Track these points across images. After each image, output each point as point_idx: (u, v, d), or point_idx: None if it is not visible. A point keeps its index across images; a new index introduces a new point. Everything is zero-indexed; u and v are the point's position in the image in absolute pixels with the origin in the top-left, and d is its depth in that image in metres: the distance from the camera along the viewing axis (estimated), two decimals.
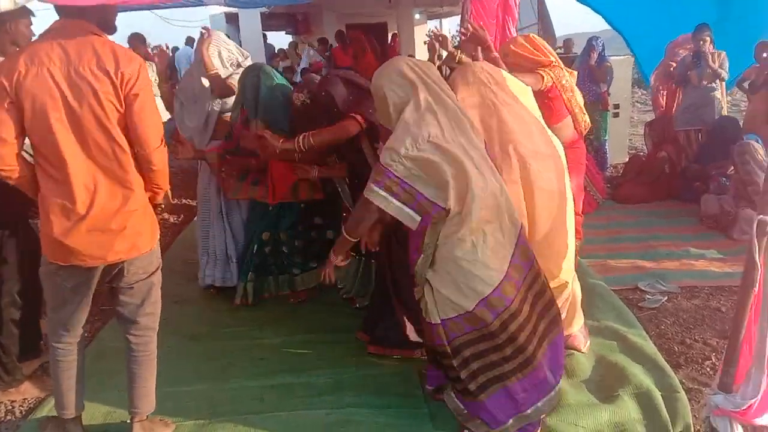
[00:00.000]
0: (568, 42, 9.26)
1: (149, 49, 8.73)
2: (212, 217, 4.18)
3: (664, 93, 7.38)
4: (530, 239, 2.70)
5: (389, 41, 11.94)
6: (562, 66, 3.67)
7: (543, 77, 3.53)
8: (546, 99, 3.52)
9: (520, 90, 3.03)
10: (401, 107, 2.44)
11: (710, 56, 6.30)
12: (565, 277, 2.95)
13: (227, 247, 4.15)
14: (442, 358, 2.49)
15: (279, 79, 3.90)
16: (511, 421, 2.49)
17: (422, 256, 2.43)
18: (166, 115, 4.17)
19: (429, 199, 2.35)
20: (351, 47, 9.85)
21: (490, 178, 2.41)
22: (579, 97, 3.74)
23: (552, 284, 2.85)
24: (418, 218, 2.38)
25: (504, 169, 2.70)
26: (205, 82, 3.95)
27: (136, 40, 7.44)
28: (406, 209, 2.37)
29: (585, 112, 3.80)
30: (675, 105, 7.24)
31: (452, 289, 2.39)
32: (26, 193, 2.31)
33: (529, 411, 2.49)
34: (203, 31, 4.06)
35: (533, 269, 2.53)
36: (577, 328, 3.22)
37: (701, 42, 6.31)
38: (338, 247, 2.68)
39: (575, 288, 3.13)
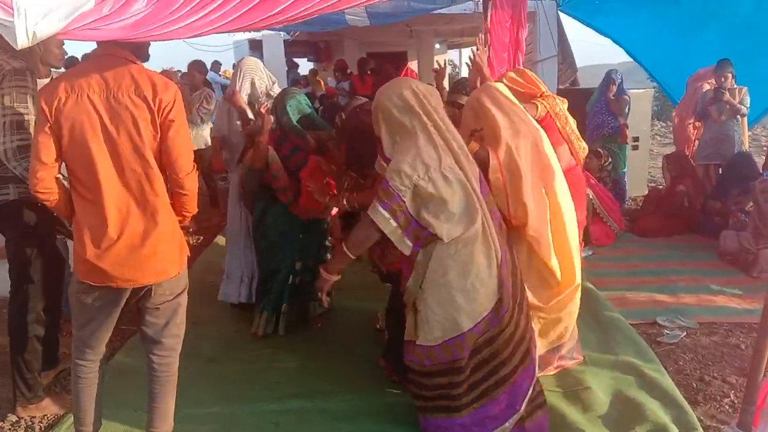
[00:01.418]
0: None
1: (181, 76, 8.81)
2: (241, 236, 4.28)
3: (689, 127, 7.39)
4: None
5: (401, 72, 11.92)
6: (554, 95, 3.74)
7: (537, 107, 3.67)
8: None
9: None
10: (400, 130, 2.50)
11: (730, 92, 6.31)
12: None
13: (253, 267, 4.26)
14: (415, 376, 2.62)
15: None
16: None
17: (413, 273, 2.52)
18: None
19: (421, 226, 2.44)
20: (371, 77, 9.96)
21: (483, 208, 2.52)
22: (573, 124, 3.81)
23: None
24: (411, 245, 2.48)
25: (540, 190, 2.95)
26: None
27: (194, 68, 7.28)
28: (405, 238, 2.47)
29: (581, 138, 3.86)
30: (694, 139, 7.26)
31: (437, 317, 2.49)
32: (60, 215, 2.38)
33: None
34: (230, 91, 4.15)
35: (512, 307, 2.63)
36: (575, 340, 3.38)
37: (722, 78, 6.32)
38: (336, 263, 2.68)
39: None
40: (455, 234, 2.43)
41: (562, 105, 3.76)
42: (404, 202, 2.40)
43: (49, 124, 2.21)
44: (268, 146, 3.80)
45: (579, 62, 8.90)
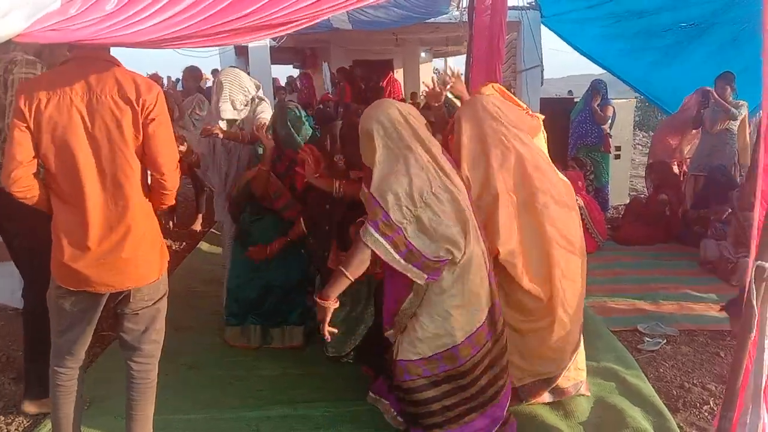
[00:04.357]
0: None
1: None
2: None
3: (670, 142, 7.46)
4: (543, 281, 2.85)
5: (384, 84, 11.80)
6: (535, 113, 3.70)
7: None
8: None
9: (531, 128, 3.15)
10: (389, 153, 2.50)
11: (726, 103, 6.34)
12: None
13: None
14: (410, 395, 2.59)
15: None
16: None
17: (411, 295, 2.51)
18: None
19: (432, 259, 2.44)
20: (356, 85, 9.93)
21: (472, 219, 2.55)
22: (544, 145, 3.58)
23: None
24: (425, 276, 2.46)
25: (526, 211, 2.87)
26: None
27: (190, 75, 7.23)
28: (412, 267, 2.44)
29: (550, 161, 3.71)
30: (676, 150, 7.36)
31: (431, 333, 2.50)
32: (45, 211, 2.32)
33: None
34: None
35: (499, 320, 2.67)
36: (581, 377, 3.20)
37: (721, 90, 6.36)
38: (335, 288, 2.48)
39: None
40: (461, 251, 2.45)
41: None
42: (406, 236, 2.42)
43: (26, 124, 2.16)
44: (269, 173, 3.72)
45: (563, 72, 9.05)
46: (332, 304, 2.48)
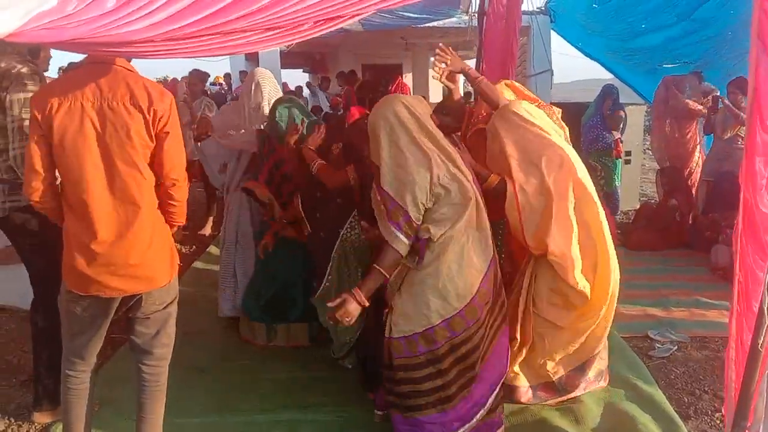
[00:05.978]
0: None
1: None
2: (236, 247, 4.28)
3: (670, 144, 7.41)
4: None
5: (392, 87, 11.82)
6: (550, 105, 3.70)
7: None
8: None
9: (558, 130, 3.16)
10: (398, 150, 2.52)
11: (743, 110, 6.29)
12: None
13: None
14: (395, 373, 2.62)
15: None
16: None
17: (396, 272, 2.59)
18: None
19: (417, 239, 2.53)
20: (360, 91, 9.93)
21: (480, 208, 2.62)
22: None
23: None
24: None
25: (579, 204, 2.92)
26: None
27: (196, 78, 7.28)
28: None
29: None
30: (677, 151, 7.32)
31: (409, 312, 2.56)
32: (55, 221, 2.34)
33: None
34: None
35: (498, 301, 2.74)
36: (604, 363, 3.28)
37: (733, 95, 6.31)
38: (371, 285, 2.52)
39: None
40: (440, 232, 2.51)
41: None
42: (417, 224, 2.51)
43: (41, 132, 2.18)
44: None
45: (574, 76, 9.05)
46: (366, 304, 2.49)
